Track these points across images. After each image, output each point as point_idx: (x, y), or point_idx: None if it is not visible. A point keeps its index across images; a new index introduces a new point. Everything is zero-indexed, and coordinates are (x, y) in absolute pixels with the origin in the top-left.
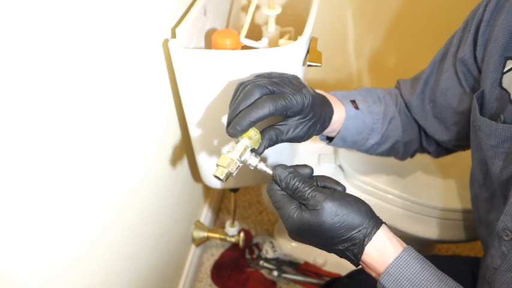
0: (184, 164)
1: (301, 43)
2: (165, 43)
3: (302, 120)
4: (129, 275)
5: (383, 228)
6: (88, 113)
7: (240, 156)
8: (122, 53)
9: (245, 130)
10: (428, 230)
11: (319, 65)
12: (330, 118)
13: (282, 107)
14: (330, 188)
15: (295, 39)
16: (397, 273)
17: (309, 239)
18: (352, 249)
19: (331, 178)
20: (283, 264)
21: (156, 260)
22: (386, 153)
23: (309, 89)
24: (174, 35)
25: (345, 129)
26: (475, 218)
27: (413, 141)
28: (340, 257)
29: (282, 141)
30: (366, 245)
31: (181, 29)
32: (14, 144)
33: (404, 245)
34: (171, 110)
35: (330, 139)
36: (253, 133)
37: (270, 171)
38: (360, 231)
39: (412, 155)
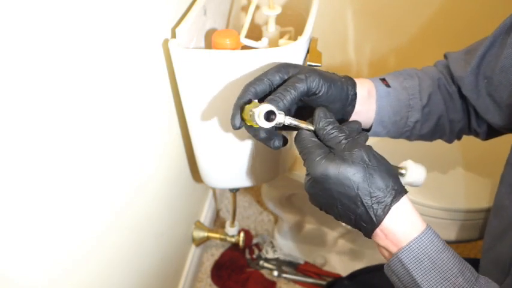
0: (184, 164)
1: (301, 43)
2: (165, 43)
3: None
4: (129, 275)
5: (407, 196)
6: (88, 113)
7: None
8: (122, 53)
9: (242, 98)
10: None
11: (319, 65)
12: (352, 85)
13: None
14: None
15: (295, 39)
16: (419, 249)
17: (329, 192)
18: (376, 209)
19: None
20: (283, 264)
21: (156, 260)
22: (432, 132)
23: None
24: (174, 35)
25: (380, 111)
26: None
27: (458, 120)
28: (354, 222)
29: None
30: (392, 206)
31: (181, 29)
32: (15, 144)
33: (425, 223)
34: (171, 110)
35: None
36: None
37: (300, 124)
38: (388, 189)
39: (458, 137)
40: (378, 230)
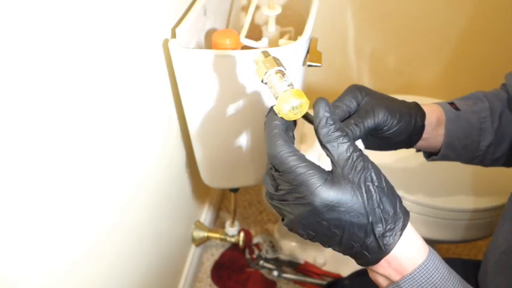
0: (184, 164)
1: (301, 43)
2: (165, 43)
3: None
4: (130, 275)
5: (410, 225)
6: (88, 113)
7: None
8: (122, 53)
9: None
10: (428, 230)
11: (319, 65)
12: (421, 116)
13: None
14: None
15: (295, 39)
16: (424, 277)
17: (334, 222)
18: (387, 236)
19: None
20: (283, 264)
21: (156, 259)
22: (508, 157)
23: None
24: (174, 35)
25: (449, 134)
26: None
27: None
28: (355, 252)
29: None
30: (402, 232)
31: (181, 29)
32: (16, 145)
33: (428, 248)
34: (171, 110)
35: (435, 154)
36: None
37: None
38: (397, 212)
39: None
40: (383, 259)
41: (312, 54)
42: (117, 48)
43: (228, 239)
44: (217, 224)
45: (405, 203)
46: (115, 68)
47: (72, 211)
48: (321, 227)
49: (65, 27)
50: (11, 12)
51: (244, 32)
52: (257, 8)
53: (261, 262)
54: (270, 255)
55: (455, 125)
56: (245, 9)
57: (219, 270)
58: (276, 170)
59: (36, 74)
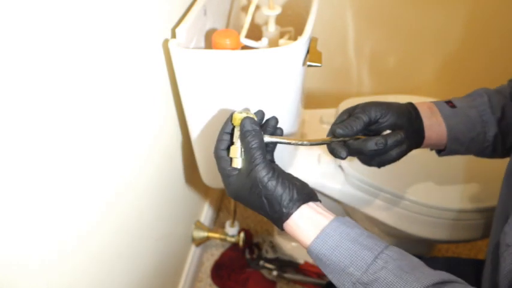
0: (184, 164)
1: (301, 43)
2: (165, 43)
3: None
4: (130, 275)
5: (306, 206)
6: (88, 112)
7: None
8: (122, 53)
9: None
10: (428, 230)
11: (319, 65)
12: (411, 104)
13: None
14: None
15: (295, 39)
16: (316, 249)
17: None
18: (288, 207)
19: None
20: (283, 264)
21: (156, 259)
22: None
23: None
24: (174, 35)
25: (451, 129)
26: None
27: None
28: (271, 215)
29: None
30: (295, 213)
31: (181, 29)
32: (7, 139)
33: (328, 219)
34: (171, 110)
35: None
36: (241, 117)
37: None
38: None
39: None
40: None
41: (312, 54)
42: (117, 48)
43: (228, 239)
44: (217, 224)
45: (405, 203)
46: (115, 68)
47: (72, 211)
48: (252, 195)
49: (65, 27)
50: (11, 12)
51: (244, 32)
52: (257, 8)
53: (261, 262)
54: (270, 255)
55: (455, 120)
56: (245, 9)
57: (219, 270)
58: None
59: (39, 74)
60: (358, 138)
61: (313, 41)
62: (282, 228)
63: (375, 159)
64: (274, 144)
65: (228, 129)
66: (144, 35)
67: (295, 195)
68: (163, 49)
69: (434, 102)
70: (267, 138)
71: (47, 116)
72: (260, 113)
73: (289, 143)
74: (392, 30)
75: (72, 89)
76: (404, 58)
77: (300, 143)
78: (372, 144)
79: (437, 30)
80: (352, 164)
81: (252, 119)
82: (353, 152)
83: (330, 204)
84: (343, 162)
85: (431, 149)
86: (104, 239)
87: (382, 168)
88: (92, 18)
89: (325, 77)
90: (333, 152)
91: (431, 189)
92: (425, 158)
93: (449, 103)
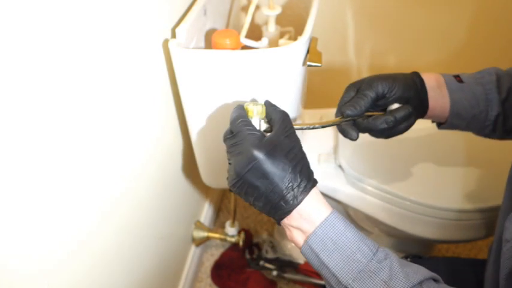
0: (184, 164)
1: (301, 43)
2: (165, 43)
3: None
4: (130, 275)
5: (317, 187)
6: (88, 112)
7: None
8: (122, 52)
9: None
10: (428, 230)
11: (319, 65)
12: (417, 75)
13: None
14: None
15: (295, 39)
16: (323, 234)
17: (263, 173)
18: (298, 192)
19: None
20: (283, 264)
21: (156, 259)
22: None
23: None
24: (174, 35)
25: (454, 103)
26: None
27: None
28: (273, 205)
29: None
30: (311, 191)
31: (181, 29)
32: (8, 138)
33: (331, 208)
34: (171, 110)
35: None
36: (253, 108)
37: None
38: (309, 177)
39: None
40: (290, 215)
41: (312, 54)
42: (117, 48)
43: (228, 239)
44: (217, 224)
45: (405, 203)
46: (115, 68)
47: (72, 211)
48: (253, 177)
49: (65, 27)
50: (12, 12)
51: (244, 32)
52: (257, 8)
53: (261, 262)
54: (270, 255)
55: (459, 95)
56: (245, 9)
57: (219, 270)
58: (231, 133)
59: (39, 74)
60: (368, 116)
61: (313, 41)
62: (280, 220)
63: (383, 133)
64: None
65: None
66: (144, 35)
67: (309, 179)
68: (163, 49)
69: (442, 75)
70: None
71: (47, 116)
72: (268, 103)
73: (302, 128)
74: (393, 30)
75: (72, 89)
76: (405, 58)
77: (312, 127)
78: (382, 123)
79: (438, 30)
80: (352, 164)
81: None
82: (363, 130)
83: (330, 204)
84: (343, 163)
85: (433, 121)
86: (105, 239)
87: (382, 168)
88: (92, 19)
89: (325, 77)
90: (344, 133)
91: (431, 189)
92: (426, 158)
93: (457, 77)
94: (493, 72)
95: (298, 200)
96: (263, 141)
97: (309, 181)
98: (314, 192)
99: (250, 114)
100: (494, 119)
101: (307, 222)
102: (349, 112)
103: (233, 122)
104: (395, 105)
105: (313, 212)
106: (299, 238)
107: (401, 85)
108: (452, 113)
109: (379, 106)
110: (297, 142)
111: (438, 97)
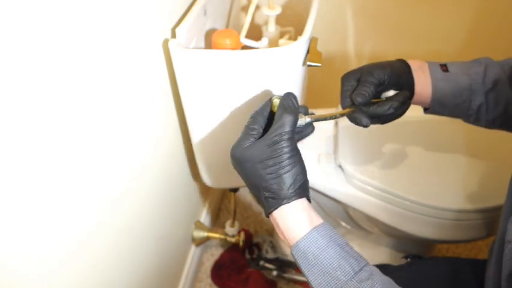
0: (184, 164)
1: (301, 43)
2: (165, 43)
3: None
4: (130, 275)
5: (302, 201)
6: (88, 112)
7: None
8: (122, 52)
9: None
10: (428, 230)
11: (319, 65)
12: (404, 61)
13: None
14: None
15: (295, 39)
16: (304, 247)
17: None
18: (270, 201)
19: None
20: (283, 264)
21: (156, 259)
22: (504, 120)
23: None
24: (174, 35)
25: (436, 92)
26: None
27: None
28: (261, 200)
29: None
30: (281, 207)
31: (181, 29)
32: (8, 138)
33: (317, 222)
34: (171, 110)
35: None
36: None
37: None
38: (283, 191)
39: None
40: (270, 217)
41: (312, 54)
42: (117, 48)
43: (228, 239)
44: (217, 224)
45: (405, 203)
46: (115, 68)
47: (72, 211)
48: (260, 166)
49: (66, 27)
50: (12, 12)
51: (244, 32)
52: (257, 8)
53: (261, 262)
54: (270, 255)
55: (443, 84)
56: (245, 9)
57: (219, 270)
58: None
59: (39, 74)
60: (372, 103)
61: (313, 41)
62: (269, 213)
63: (380, 117)
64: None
65: (266, 113)
66: (144, 34)
67: (299, 185)
68: (163, 49)
69: (428, 62)
70: (302, 120)
71: (47, 116)
72: (281, 105)
73: (319, 120)
74: (393, 30)
75: (73, 89)
76: (405, 58)
77: (333, 117)
78: (389, 108)
79: (438, 30)
80: (352, 164)
81: (294, 95)
82: (371, 117)
83: (330, 204)
84: (343, 163)
85: (423, 107)
86: (105, 239)
87: (382, 168)
88: (92, 19)
89: (325, 77)
90: (356, 122)
91: (431, 189)
92: (426, 157)
93: (443, 67)
94: (483, 62)
95: (269, 207)
96: (244, 146)
97: (278, 198)
98: (293, 209)
99: (273, 108)
100: (477, 109)
101: (290, 230)
102: (360, 100)
103: (252, 113)
104: (392, 92)
105: (293, 223)
106: (290, 240)
107: (396, 72)
108: (433, 100)
109: (378, 93)
110: (278, 155)
111: (422, 83)
